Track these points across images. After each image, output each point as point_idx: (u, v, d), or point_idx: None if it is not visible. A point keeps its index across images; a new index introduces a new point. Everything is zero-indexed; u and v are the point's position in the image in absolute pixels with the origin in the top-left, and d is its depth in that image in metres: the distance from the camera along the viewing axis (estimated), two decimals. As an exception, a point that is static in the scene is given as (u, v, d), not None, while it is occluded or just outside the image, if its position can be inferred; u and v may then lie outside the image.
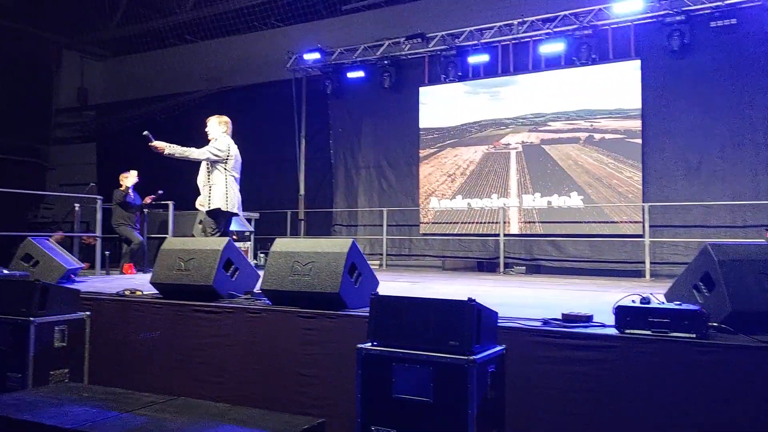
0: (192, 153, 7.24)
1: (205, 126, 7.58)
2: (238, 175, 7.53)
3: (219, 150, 7.31)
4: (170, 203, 11.70)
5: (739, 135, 11.45)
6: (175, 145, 7.17)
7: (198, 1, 17.32)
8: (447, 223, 14.24)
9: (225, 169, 7.37)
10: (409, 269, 13.94)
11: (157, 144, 7.07)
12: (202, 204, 7.41)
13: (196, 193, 7.54)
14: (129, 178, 11.12)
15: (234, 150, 7.48)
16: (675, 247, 11.72)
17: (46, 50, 21.10)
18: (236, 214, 7.67)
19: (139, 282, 7.37)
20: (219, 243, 5.97)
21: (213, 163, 7.36)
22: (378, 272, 6.09)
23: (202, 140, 7.48)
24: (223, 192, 7.31)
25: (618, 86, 12.48)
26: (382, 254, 14.39)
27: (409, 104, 14.75)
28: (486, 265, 13.81)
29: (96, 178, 18.17)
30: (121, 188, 11.00)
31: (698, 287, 4.31)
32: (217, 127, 7.52)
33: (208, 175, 7.38)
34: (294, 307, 5.18)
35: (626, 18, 12.29)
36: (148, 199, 11.33)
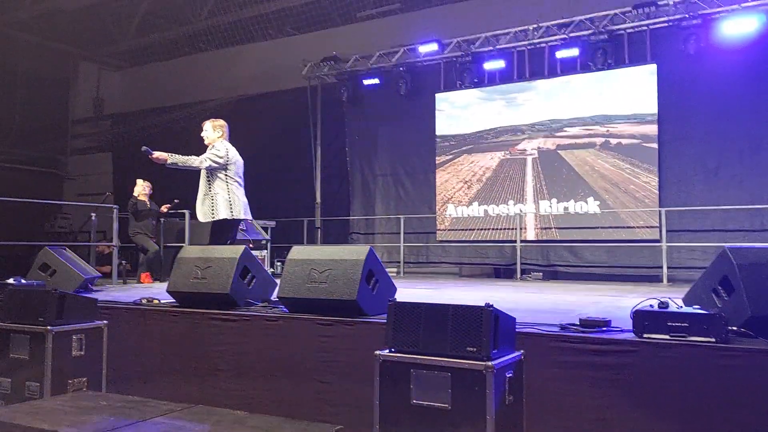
0: (193, 161, 7.18)
1: (201, 130, 7.53)
2: (241, 180, 7.42)
3: (218, 156, 7.21)
4: (186, 212, 11.73)
5: (757, 139, 11.34)
6: (176, 155, 7.14)
7: (213, 9, 17.41)
8: (464, 230, 14.20)
9: (226, 176, 7.25)
10: (427, 276, 13.92)
11: (159, 155, 7.05)
12: (205, 215, 7.28)
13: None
14: (136, 188, 11.17)
15: (233, 154, 7.37)
16: (692, 252, 11.63)
17: (63, 61, 21.29)
18: (244, 220, 7.58)
19: (156, 291, 7.40)
20: (236, 251, 5.97)
21: (213, 171, 7.24)
22: (395, 279, 6.07)
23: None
24: (226, 200, 7.21)
25: (634, 91, 12.41)
26: (399, 262, 14.38)
27: (425, 111, 14.72)
28: (503, 272, 13.78)
29: (112, 187, 18.27)
30: (131, 198, 11.08)
31: (717, 291, 4.27)
32: (213, 132, 7.42)
33: (209, 185, 7.26)
34: (311, 314, 5.17)
35: (642, 22, 12.24)
36: (164, 208, 11.38)
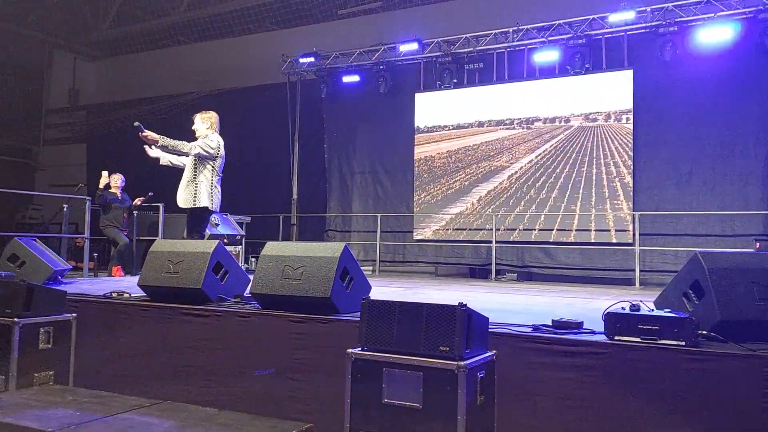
0: (184, 146, 7.17)
1: (192, 123, 7.53)
2: (221, 175, 7.49)
3: (210, 147, 7.25)
4: (160, 205, 11.65)
5: (730, 145, 11.48)
6: (167, 137, 7.13)
7: (192, 2, 17.29)
8: (440, 229, 14.21)
9: (213, 167, 7.31)
10: (402, 275, 13.90)
11: (149, 134, 7.02)
12: (186, 201, 7.31)
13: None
14: (101, 180, 11.06)
15: (222, 149, 7.44)
16: (665, 256, 11.75)
17: (38, 50, 21.03)
18: (218, 214, 7.60)
19: (127, 284, 7.32)
20: (209, 246, 5.91)
21: (202, 160, 7.27)
22: (371, 278, 6.05)
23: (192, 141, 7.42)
24: (209, 190, 7.24)
25: (610, 95, 12.49)
26: (375, 260, 14.37)
27: (404, 110, 14.73)
28: (478, 272, 13.82)
29: (86, 179, 18.08)
30: (97, 190, 10.97)
31: (688, 295, 4.29)
32: (202, 124, 7.45)
33: (195, 173, 7.29)
34: (284, 311, 5.13)
35: (620, 28, 12.32)
36: (138, 201, 11.29)
